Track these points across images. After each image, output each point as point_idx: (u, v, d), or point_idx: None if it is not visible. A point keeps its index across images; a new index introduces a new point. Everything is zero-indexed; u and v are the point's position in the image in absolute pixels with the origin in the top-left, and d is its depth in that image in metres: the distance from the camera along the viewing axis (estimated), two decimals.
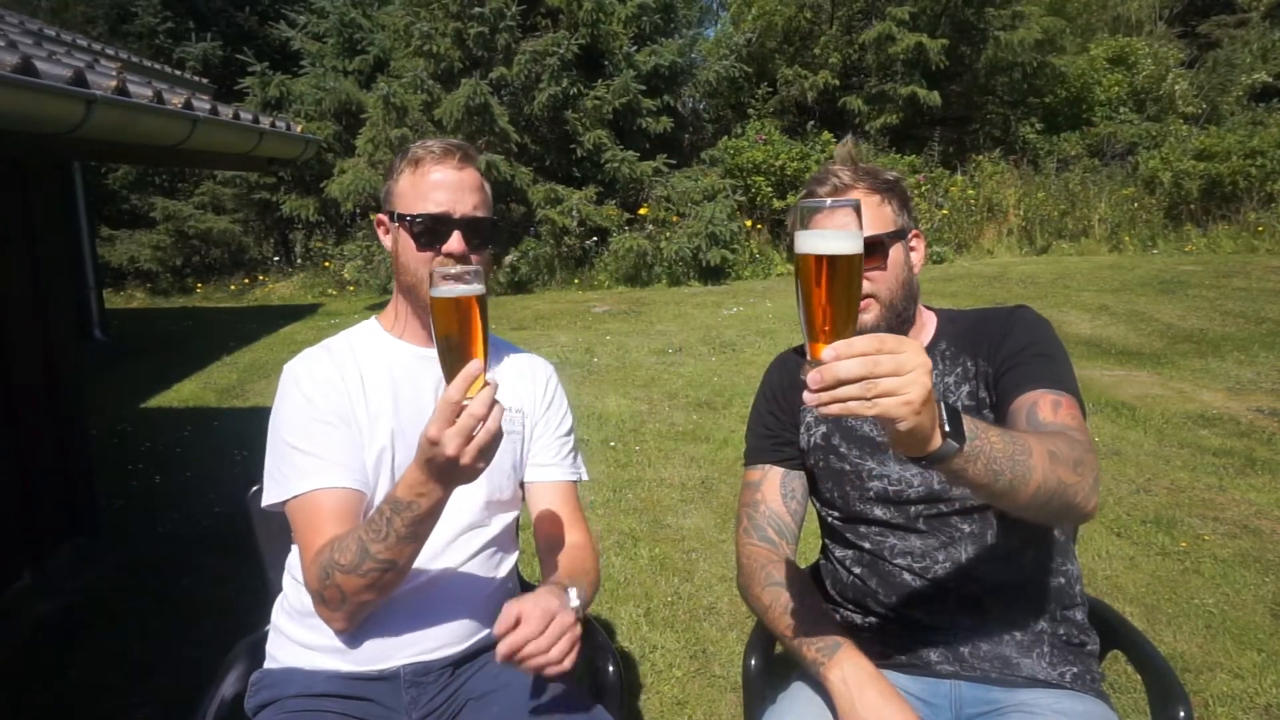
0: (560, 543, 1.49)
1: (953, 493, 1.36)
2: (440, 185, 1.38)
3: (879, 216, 1.39)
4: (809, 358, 0.90)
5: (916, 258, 1.45)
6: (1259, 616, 2.78)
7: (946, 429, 0.90)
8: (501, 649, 1.12)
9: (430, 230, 1.37)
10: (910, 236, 1.44)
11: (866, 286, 1.35)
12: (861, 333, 1.44)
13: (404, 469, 1.36)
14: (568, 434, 1.58)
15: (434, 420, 1.07)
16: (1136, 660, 1.43)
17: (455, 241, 1.37)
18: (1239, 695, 2.38)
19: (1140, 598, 2.93)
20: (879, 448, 1.43)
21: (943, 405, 0.91)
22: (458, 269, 1.09)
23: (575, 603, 1.23)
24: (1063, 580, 1.38)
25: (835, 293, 0.88)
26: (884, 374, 0.82)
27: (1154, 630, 2.71)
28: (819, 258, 0.88)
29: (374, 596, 1.28)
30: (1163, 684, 1.32)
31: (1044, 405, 1.26)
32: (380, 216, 1.46)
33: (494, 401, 1.08)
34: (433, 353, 1.44)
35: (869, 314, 1.38)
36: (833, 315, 0.89)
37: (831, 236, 0.88)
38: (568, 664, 1.15)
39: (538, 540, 1.52)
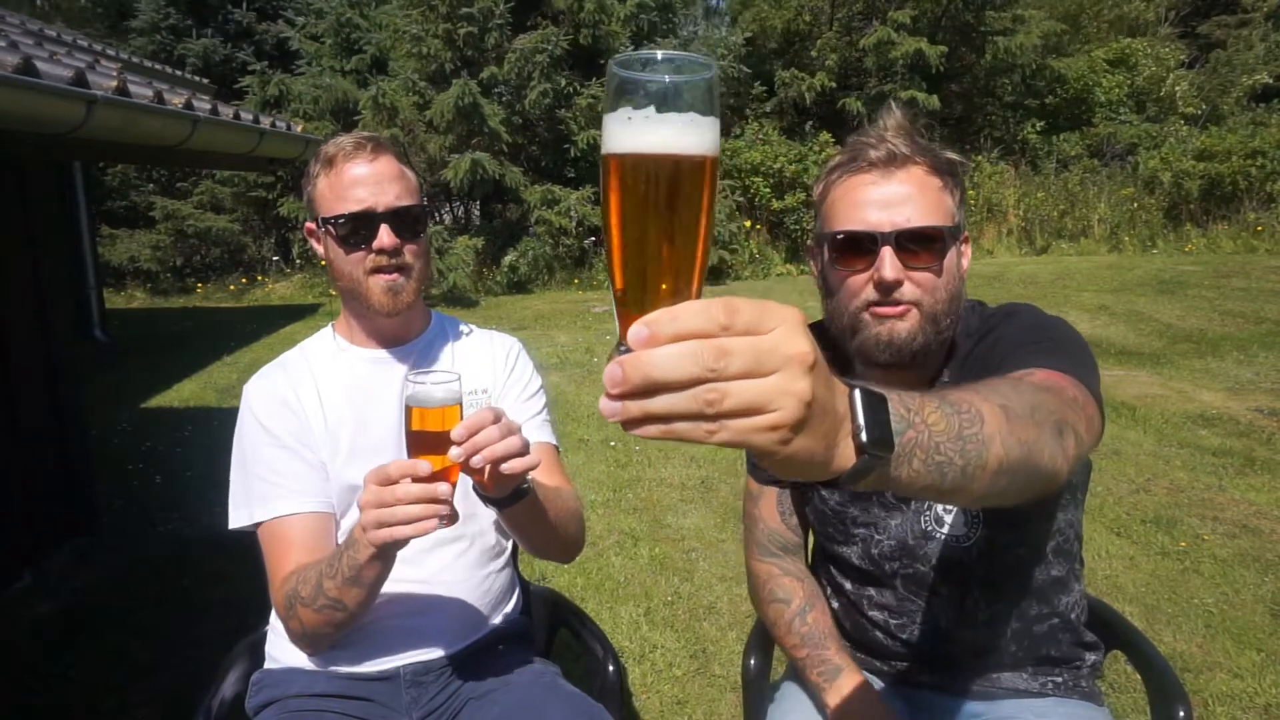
0: None
1: (927, 548, 1.22)
2: (358, 181, 1.32)
3: (939, 206, 1.11)
4: (618, 340, 0.54)
5: (964, 264, 1.18)
6: (1258, 616, 2.78)
7: (863, 437, 0.56)
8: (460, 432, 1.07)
9: (355, 230, 1.32)
10: (962, 239, 1.18)
11: (911, 292, 1.10)
12: (881, 344, 1.16)
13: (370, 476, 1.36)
14: (534, 397, 1.53)
15: (374, 470, 1.07)
16: (1136, 660, 1.42)
17: (384, 236, 1.32)
18: (1238, 695, 2.38)
19: (1140, 597, 2.93)
20: (863, 492, 1.24)
21: (858, 397, 0.57)
22: (433, 375, 1.06)
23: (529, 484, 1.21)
24: (1056, 621, 1.26)
25: (661, 225, 0.53)
26: (733, 374, 0.47)
27: (1154, 630, 2.72)
28: (637, 160, 0.52)
29: (331, 633, 1.28)
30: (1162, 684, 1.32)
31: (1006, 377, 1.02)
32: (309, 226, 1.41)
33: (427, 502, 1.04)
34: (388, 354, 1.44)
35: (906, 322, 1.11)
36: (655, 268, 0.53)
37: (658, 123, 0.52)
38: (515, 465, 1.10)
39: None
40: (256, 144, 3.22)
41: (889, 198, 1.10)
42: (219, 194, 12.91)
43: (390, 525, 1.05)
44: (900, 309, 1.11)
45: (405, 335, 1.46)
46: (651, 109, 0.52)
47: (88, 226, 8.53)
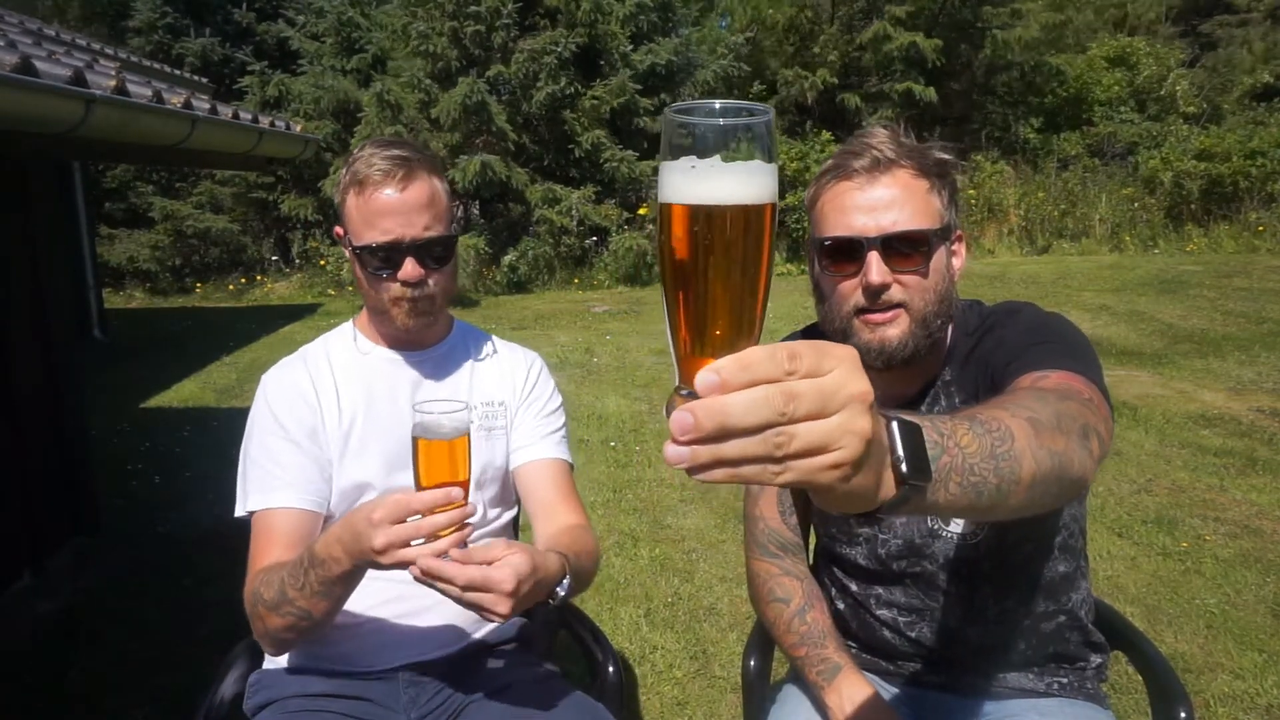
0: (554, 522, 1.44)
1: (935, 547, 1.22)
2: (385, 211, 1.30)
3: (926, 208, 1.13)
4: (678, 381, 0.56)
5: (958, 264, 1.19)
6: (1260, 617, 2.78)
7: (904, 468, 0.57)
8: (462, 576, 1.05)
9: (381, 260, 1.32)
10: (954, 238, 1.18)
11: (898, 294, 1.12)
12: (872, 351, 1.16)
13: (381, 473, 1.37)
14: (553, 414, 1.54)
15: (383, 506, 1.06)
16: (1137, 661, 1.42)
17: (409, 269, 1.31)
18: (1240, 695, 2.38)
19: (1141, 598, 2.93)
20: None
21: (895, 428, 0.58)
22: (441, 406, 1.08)
23: (562, 592, 1.19)
24: (1064, 618, 1.26)
25: (730, 273, 0.54)
26: (802, 416, 0.48)
27: (1155, 630, 2.71)
28: (706, 210, 0.53)
29: (294, 637, 1.26)
30: (1164, 684, 1.31)
31: (1023, 384, 1.02)
32: (338, 230, 1.41)
33: (451, 532, 1.06)
34: (407, 356, 1.45)
35: (895, 328, 1.13)
36: (723, 315, 0.54)
37: (722, 173, 0.53)
38: (500, 616, 1.08)
39: (533, 525, 1.49)
40: (255, 143, 3.21)
41: (874, 202, 1.12)
42: (218, 194, 12.91)
43: (426, 557, 1.05)
44: (889, 314, 1.13)
45: (426, 340, 1.48)
46: (717, 158, 0.53)
47: (87, 226, 8.54)
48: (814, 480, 0.50)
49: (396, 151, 1.32)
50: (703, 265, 0.54)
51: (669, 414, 0.50)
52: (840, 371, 0.49)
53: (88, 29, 12.87)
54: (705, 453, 0.48)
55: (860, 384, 0.50)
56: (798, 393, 0.48)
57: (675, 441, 0.49)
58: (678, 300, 0.55)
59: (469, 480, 1.11)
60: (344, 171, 1.36)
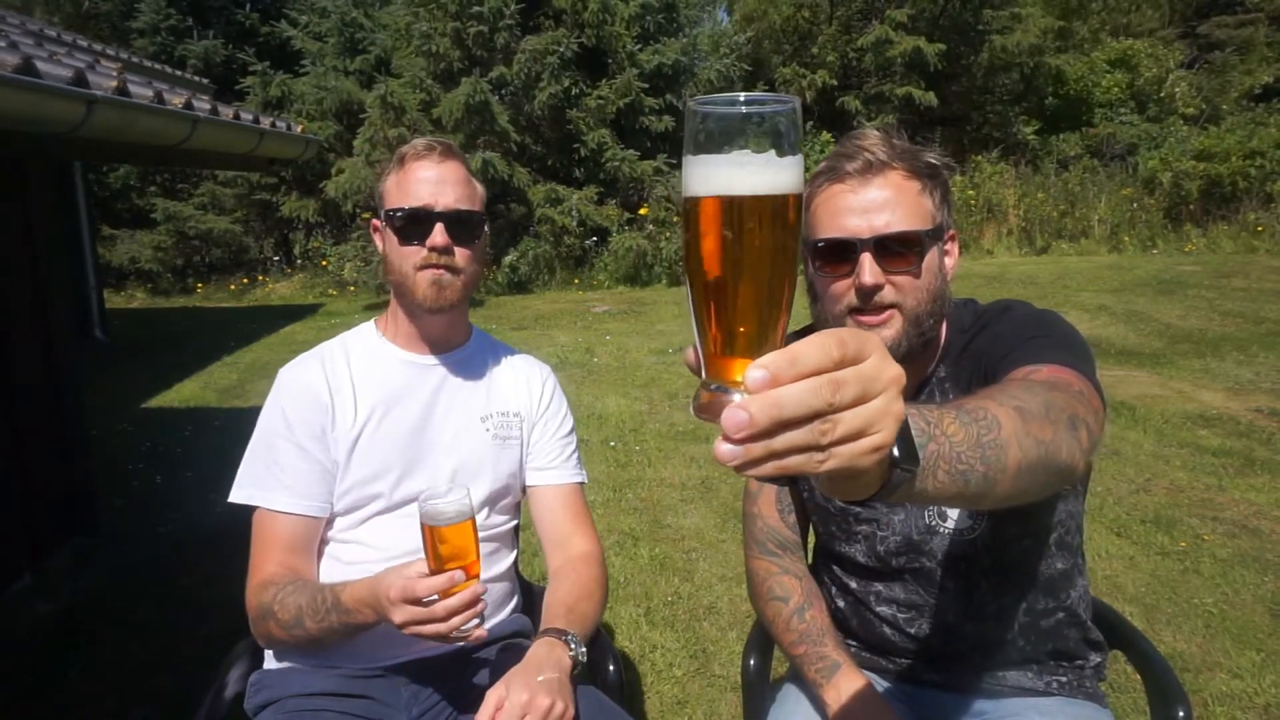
0: (564, 550, 1.50)
1: (933, 543, 1.23)
2: (422, 180, 1.37)
3: (917, 209, 1.14)
4: (705, 376, 0.55)
5: (950, 263, 1.21)
6: (1258, 616, 2.78)
7: (894, 454, 0.58)
8: None
9: (412, 224, 1.36)
10: (946, 238, 1.20)
11: (891, 295, 1.13)
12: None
13: (391, 476, 1.38)
14: (568, 435, 1.58)
15: (396, 587, 1.14)
16: (1136, 660, 1.42)
17: (438, 234, 1.35)
18: (1238, 695, 2.38)
19: (1140, 597, 2.93)
20: None
21: None
22: (446, 495, 1.15)
23: (579, 652, 1.29)
24: (1063, 615, 1.27)
25: (756, 265, 0.53)
26: (847, 403, 0.49)
27: (1153, 630, 2.71)
28: (727, 202, 0.52)
29: (298, 650, 1.36)
30: (1162, 684, 1.32)
31: (1015, 376, 1.03)
32: (375, 222, 1.46)
33: (459, 612, 1.14)
34: (427, 360, 1.46)
35: (890, 329, 1.14)
36: (750, 309, 0.54)
37: (750, 164, 0.52)
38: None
39: (543, 546, 1.54)
40: (256, 144, 3.22)
41: (866, 204, 1.13)
42: (221, 195, 12.92)
43: (443, 635, 1.15)
44: (882, 316, 1.14)
45: (446, 343, 1.49)
46: (749, 150, 0.52)
47: (88, 227, 8.54)
48: (855, 465, 0.50)
49: (437, 138, 1.43)
50: (744, 259, 0.53)
51: (700, 411, 0.50)
52: (877, 357, 0.50)
53: (89, 29, 12.87)
54: (759, 449, 0.48)
55: (895, 368, 0.51)
56: (843, 381, 0.48)
57: (728, 440, 0.48)
58: (711, 296, 0.54)
59: (478, 560, 1.17)
60: (387, 164, 1.44)
